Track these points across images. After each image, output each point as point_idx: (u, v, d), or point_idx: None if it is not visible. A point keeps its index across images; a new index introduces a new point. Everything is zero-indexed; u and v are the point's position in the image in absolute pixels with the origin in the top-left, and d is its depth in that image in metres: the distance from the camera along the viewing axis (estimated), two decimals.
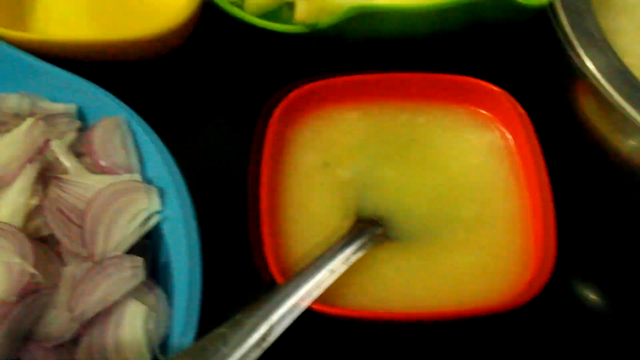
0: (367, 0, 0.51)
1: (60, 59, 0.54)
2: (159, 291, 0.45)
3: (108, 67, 0.55)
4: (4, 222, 0.45)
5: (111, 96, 0.51)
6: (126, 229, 0.46)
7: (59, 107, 0.52)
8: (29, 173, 0.46)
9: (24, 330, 0.44)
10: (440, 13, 0.50)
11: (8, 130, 0.50)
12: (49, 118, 0.50)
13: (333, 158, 0.52)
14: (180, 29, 0.54)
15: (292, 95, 0.52)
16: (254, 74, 0.60)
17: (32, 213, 0.47)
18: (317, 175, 0.51)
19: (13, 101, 0.52)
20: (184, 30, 0.55)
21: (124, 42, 0.54)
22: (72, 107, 0.52)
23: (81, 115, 0.53)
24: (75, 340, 0.44)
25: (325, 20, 0.51)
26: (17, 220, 0.46)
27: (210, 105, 0.60)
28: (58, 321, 0.44)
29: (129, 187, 0.47)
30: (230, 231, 0.50)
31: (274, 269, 0.45)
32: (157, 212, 0.47)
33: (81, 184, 0.47)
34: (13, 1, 0.61)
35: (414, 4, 0.49)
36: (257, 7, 0.55)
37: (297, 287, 0.44)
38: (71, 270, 0.45)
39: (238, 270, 0.49)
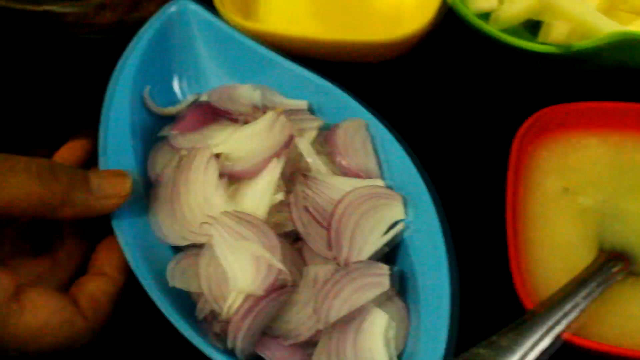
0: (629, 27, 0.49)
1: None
2: (399, 301, 0.45)
3: (329, 66, 0.54)
4: (251, 215, 0.44)
5: (352, 96, 0.50)
6: (370, 235, 0.45)
7: (290, 102, 0.52)
8: (276, 168, 0.46)
9: (264, 325, 0.43)
10: None
11: (247, 122, 0.50)
12: (288, 113, 0.49)
13: (573, 184, 0.50)
14: (421, 34, 0.53)
15: (535, 117, 0.50)
16: (486, 88, 0.59)
17: (275, 208, 0.46)
18: (556, 200, 0.50)
19: (245, 92, 0.52)
20: (422, 36, 0.54)
21: (368, 44, 0.53)
22: (303, 103, 0.52)
23: (311, 112, 0.52)
24: (310, 341, 0.44)
25: (582, 43, 0.49)
26: (261, 214, 0.46)
27: (444, 114, 0.58)
28: (297, 320, 0.44)
29: (375, 193, 0.46)
30: (479, 249, 0.49)
31: (522, 293, 0.43)
32: (402, 221, 0.46)
33: (327, 184, 0.46)
34: None
35: None
36: (504, 22, 0.53)
37: (549, 315, 0.42)
38: (314, 270, 0.45)
39: (480, 288, 0.47)
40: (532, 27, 0.55)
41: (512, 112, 0.52)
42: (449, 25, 0.56)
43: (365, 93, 0.51)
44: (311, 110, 0.52)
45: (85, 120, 0.52)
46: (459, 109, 0.58)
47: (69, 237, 0.47)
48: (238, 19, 0.55)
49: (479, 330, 0.42)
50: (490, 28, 0.51)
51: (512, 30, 0.54)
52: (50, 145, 0.51)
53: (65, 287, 0.45)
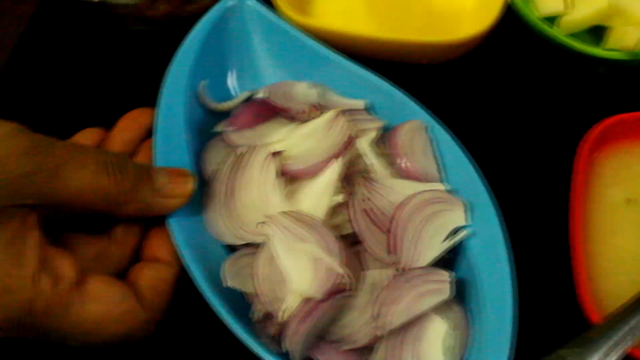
0: None
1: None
2: (459, 309, 0.44)
3: (382, 65, 0.53)
4: (310, 216, 0.43)
5: (411, 97, 0.49)
6: (432, 240, 0.44)
7: (348, 101, 0.51)
8: (335, 168, 0.45)
9: (321, 329, 0.42)
10: None
11: (304, 121, 0.49)
12: (347, 113, 0.48)
13: (636, 195, 0.49)
14: (483, 36, 0.52)
15: (600, 126, 0.49)
16: (547, 93, 0.57)
17: (333, 210, 0.45)
18: (620, 210, 0.49)
19: (302, 89, 0.51)
20: (483, 38, 0.53)
21: (428, 45, 0.52)
22: (361, 103, 0.50)
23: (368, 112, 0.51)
24: (366, 347, 0.43)
25: None
26: (320, 215, 0.45)
27: (502, 119, 0.57)
28: (355, 325, 0.43)
29: (437, 198, 0.45)
30: (539, 258, 0.47)
31: (587, 305, 0.42)
32: (463, 227, 0.45)
33: (388, 187, 0.45)
34: None
35: None
36: (572, 27, 0.52)
37: (616, 330, 0.41)
38: (373, 274, 0.44)
39: (540, 298, 0.46)
40: (592, 32, 0.54)
41: (574, 119, 0.52)
42: (507, 25, 0.55)
43: (420, 94, 0.50)
44: (368, 110, 0.51)
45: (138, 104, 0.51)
46: (518, 114, 0.57)
47: (125, 222, 0.45)
48: (294, 15, 0.54)
49: (539, 340, 0.41)
50: (557, 34, 0.50)
51: (575, 35, 0.53)
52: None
53: (124, 269, 0.44)
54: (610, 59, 0.50)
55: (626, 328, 0.41)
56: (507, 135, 0.55)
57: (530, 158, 0.54)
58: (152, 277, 0.42)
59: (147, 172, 0.42)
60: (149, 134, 0.47)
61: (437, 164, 0.48)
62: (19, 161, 0.37)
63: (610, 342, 0.41)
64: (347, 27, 0.56)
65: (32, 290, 0.37)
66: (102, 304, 0.39)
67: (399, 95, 0.49)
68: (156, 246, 0.44)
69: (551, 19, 0.54)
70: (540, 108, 0.56)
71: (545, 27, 0.52)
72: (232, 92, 0.54)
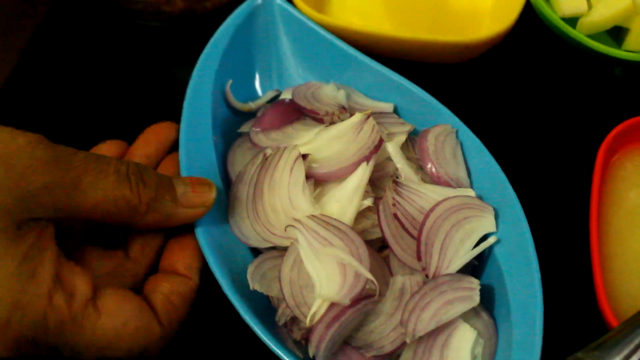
0: None
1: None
2: (486, 316, 0.43)
3: (401, 64, 0.52)
4: (338, 220, 0.43)
5: (439, 100, 0.48)
6: (461, 247, 0.44)
7: (376, 104, 0.50)
8: (364, 172, 0.45)
9: (347, 334, 0.42)
10: None
11: (332, 122, 0.48)
12: (376, 116, 0.48)
13: None
14: (503, 35, 0.51)
15: (619, 129, 0.49)
16: (568, 93, 0.57)
17: (362, 214, 0.45)
18: (638, 214, 0.47)
19: (330, 91, 0.50)
20: (503, 37, 0.52)
21: (449, 44, 0.52)
22: (389, 106, 0.50)
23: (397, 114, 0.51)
24: (392, 353, 0.42)
25: None
26: (348, 219, 0.44)
27: (522, 119, 0.56)
28: (381, 331, 0.43)
29: (467, 204, 0.44)
30: (560, 260, 0.48)
31: (605, 309, 0.42)
32: (493, 234, 0.44)
33: (418, 192, 0.45)
34: None
35: None
36: (593, 27, 0.51)
37: (633, 334, 0.40)
38: (400, 280, 0.43)
39: (560, 301, 0.45)
40: (611, 32, 0.54)
41: (593, 120, 0.52)
42: (526, 24, 0.54)
43: (439, 94, 0.50)
44: (397, 112, 0.50)
45: (158, 111, 0.51)
46: (537, 115, 0.56)
47: (141, 232, 0.45)
48: (311, 12, 0.53)
49: (557, 343, 0.41)
50: (579, 34, 0.50)
51: (593, 36, 0.52)
52: (125, 136, 0.50)
53: (139, 284, 0.43)
54: (630, 60, 0.49)
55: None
56: (525, 136, 0.55)
57: (550, 159, 0.54)
58: (168, 291, 0.42)
59: (168, 182, 0.42)
60: (172, 148, 0.47)
61: (467, 169, 0.47)
62: (39, 173, 0.36)
63: (630, 346, 0.40)
64: (365, 26, 0.55)
65: (46, 307, 0.36)
66: (117, 320, 0.39)
67: (427, 98, 0.49)
68: (175, 258, 0.44)
69: (570, 19, 0.53)
70: (559, 109, 0.56)
71: (566, 27, 0.51)
72: (258, 92, 0.53)
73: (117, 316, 0.39)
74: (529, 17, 0.54)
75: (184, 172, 0.45)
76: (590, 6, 0.53)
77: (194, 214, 0.43)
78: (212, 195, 0.43)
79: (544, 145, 0.54)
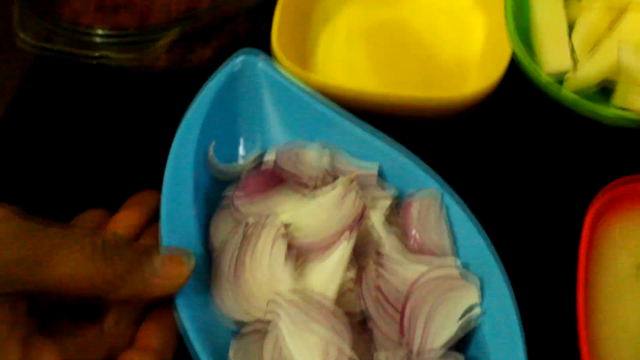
0: None
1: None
2: None
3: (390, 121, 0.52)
4: (321, 294, 0.43)
5: (421, 165, 0.48)
6: (446, 320, 0.43)
7: (361, 164, 0.50)
8: (347, 245, 0.44)
9: None
10: None
11: (316, 187, 0.48)
12: (360, 180, 0.47)
13: None
14: (489, 92, 0.51)
15: (607, 193, 0.49)
16: (554, 152, 0.56)
17: (344, 286, 0.44)
18: (628, 279, 0.47)
19: (313, 155, 0.50)
20: (489, 94, 0.52)
21: (433, 101, 0.52)
22: (374, 171, 0.50)
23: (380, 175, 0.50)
24: None
25: None
26: (331, 293, 0.44)
27: (508, 179, 0.56)
28: None
29: (451, 275, 0.44)
30: (547, 326, 0.47)
31: None
32: (477, 305, 0.44)
33: (401, 263, 0.44)
34: (299, 44, 0.59)
35: None
36: (579, 85, 0.51)
37: None
38: (384, 356, 0.42)
39: None
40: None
41: (583, 179, 0.51)
42: (513, 80, 0.54)
43: (424, 152, 0.49)
44: (381, 174, 0.50)
45: (141, 171, 0.50)
46: (524, 172, 0.56)
47: (118, 307, 0.44)
48: (294, 69, 0.53)
49: None
50: (567, 93, 0.49)
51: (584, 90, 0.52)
52: (108, 202, 0.49)
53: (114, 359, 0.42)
54: (618, 121, 0.49)
55: None
56: (512, 197, 0.54)
57: (537, 220, 0.53)
58: None
59: (146, 253, 0.41)
60: (155, 216, 0.46)
61: (450, 238, 0.47)
62: (12, 246, 0.36)
63: None
64: (348, 82, 0.55)
65: None
66: None
67: (411, 162, 0.49)
68: (151, 332, 0.43)
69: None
70: (547, 167, 0.56)
71: (557, 88, 0.51)
72: (242, 152, 0.52)
73: None
74: (516, 74, 0.54)
75: (164, 242, 0.45)
76: (575, 64, 0.53)
77: (170, 285, 0.42)
78: (189, 267, 0.42)
79: (530, 206, 0.54)
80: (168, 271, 0.41)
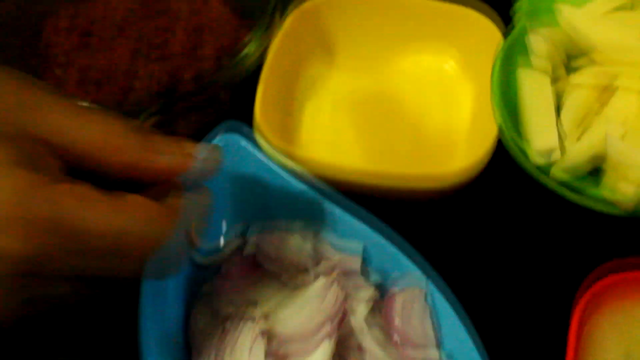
0: None
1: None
2: None
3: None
4: None
5: (405, 250, 0.48)
6: None
7: (344, 246, 0.50)
8: (330, 346, 0.44)
9: None
10: None
11: (299, 272, 0.48)
12: (342, 263, 0.48)
13: (636, 355, 0.47)
14: (477, 169, 0.51)
15: (597, 285, 0.47)
16: (540, 234, 0.55)
17: None
18: None
19: (295, 243, 0.49)
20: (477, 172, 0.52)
21: (418, 177, 0.52)
22: (358, 250, 0.49)
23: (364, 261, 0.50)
24: None
25: None
26: None
27: (493, 263, 0.55)
28: None
29: None
30: None
31: None
32: None
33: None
34: (283, 116, 0.58)
35: None
36: (566, 171, 0.50)
37: None
38: None
39: None
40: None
41: (572, 264, 0.51)
42: (501, 155, 0.53)
43: (409, 231, 0.49)
44: (365, 253, 0.50)
45: None
46: (512, 257, 0.55)
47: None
48: (279, 143, 0.53)
49: None
50: (549, 182, 0.48)
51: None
52: None
53: None
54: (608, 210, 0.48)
55: None
56: (499, 280, 0.54)
57: (524, 305, 0.52)
58: None
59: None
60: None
61: (434, 330, 0.46)
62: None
63: None
64: (333, 155, 0.55)
65: None
66: None
67: (393, 250, 0.49)
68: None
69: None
70: (535, 249, 0.55)
71: (545, 179, 0.50)
72: (222, 239, 0.51)
73: None
74: (503, 157, 0.53)
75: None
76: (563, 151, 0.52)
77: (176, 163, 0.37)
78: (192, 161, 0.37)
79: (518, 291, 0.53)
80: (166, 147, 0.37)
